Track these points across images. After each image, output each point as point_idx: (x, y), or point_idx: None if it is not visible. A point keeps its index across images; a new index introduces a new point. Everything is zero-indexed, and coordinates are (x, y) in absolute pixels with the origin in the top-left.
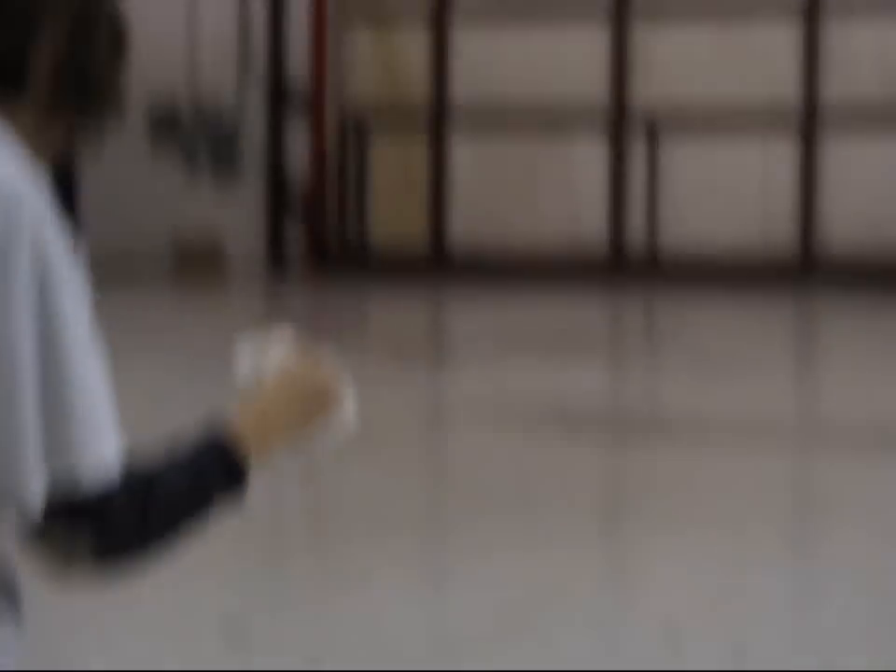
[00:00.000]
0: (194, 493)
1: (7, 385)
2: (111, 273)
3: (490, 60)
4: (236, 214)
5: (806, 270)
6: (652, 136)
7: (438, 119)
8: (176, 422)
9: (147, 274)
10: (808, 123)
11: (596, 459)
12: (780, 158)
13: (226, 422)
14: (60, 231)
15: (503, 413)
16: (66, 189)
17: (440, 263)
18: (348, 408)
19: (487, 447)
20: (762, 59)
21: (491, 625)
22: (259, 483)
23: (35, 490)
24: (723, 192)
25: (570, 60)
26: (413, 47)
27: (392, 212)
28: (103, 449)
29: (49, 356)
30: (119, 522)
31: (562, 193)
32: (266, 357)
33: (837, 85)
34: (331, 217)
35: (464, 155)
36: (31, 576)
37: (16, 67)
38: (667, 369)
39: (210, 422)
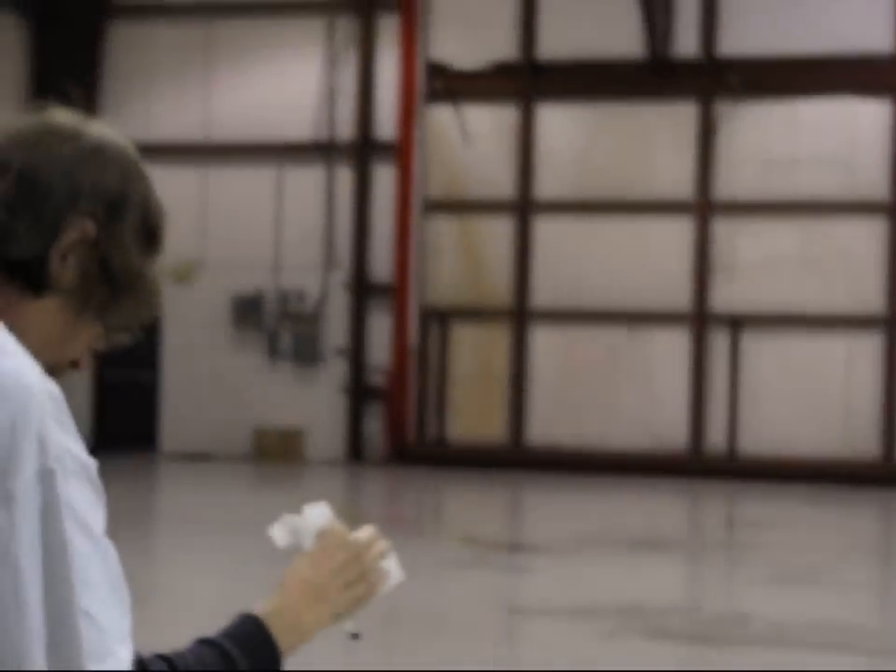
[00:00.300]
0: None
1: (13, 609)
2: (193, 460)
3: (572, 252)
4: (317, 402)
5: (889, 473)
6: (734, 335)
7: (519, 313)
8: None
9: (227, 460)
10: (893, 326)
11: (674, 659)
12: (863, 359)
13: (260, 611)
14: (70, 428)
15: (578, 608)
16: (149, 367)
17: (518, 456)
18: (391, 564)
19: (561, 642)
20: (844, 259)
21: None
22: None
23: None
24: (804, 393)
25: (652, 255)
26: (496, 237)
27: (472, 403)
28: (108, 664)
29: (55, 579)
30: None
31: (641, 389)
32: (303, 530)
33: None
34: (411, 407)
35: (544, 349)
36: None
37: (40, 268)
38: (746, 568)
39: (243, 615)
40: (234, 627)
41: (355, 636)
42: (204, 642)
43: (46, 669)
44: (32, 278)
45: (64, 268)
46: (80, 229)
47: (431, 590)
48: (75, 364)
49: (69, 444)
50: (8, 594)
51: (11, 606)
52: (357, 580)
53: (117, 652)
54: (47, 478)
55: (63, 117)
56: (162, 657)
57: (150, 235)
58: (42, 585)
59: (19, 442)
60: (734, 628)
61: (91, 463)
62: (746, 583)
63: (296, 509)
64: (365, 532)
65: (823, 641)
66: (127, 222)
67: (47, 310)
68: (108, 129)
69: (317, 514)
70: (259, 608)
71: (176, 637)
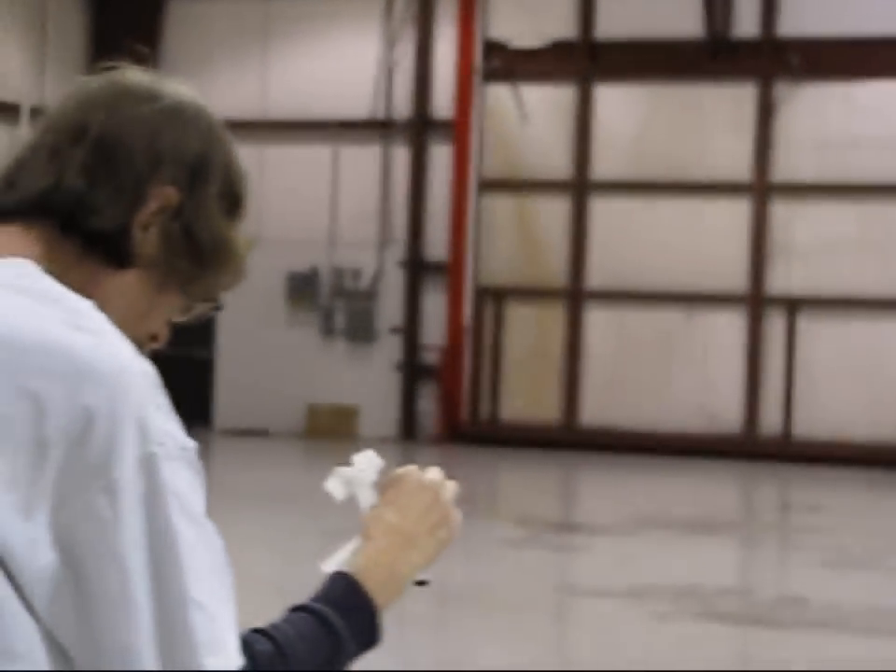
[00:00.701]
0: (328, 664)
1: (121, 606)
2: (248, 435)
3: (628, 233)
4: (370, 380)
5: None
6: (790, 318)
7: (574, 293)
8: (309, 580)
9: (280, 436)
10: None
11: (729, 642)
12: None
13: (354, 573)
14: (167, 409)
15: (633, 589)
16: (205, 347)
17: (571, 437)
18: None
19: (616, 623)
20: None
21: None
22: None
23: None
24: (861, 376)
25: (709, 236)
26: (552, 216)
27: (525, 383)
28: (221, 662)
29: (164, 571)
30: None
31: (697, 371)
32: (357, 480)
33: None
34: (465, 386)
35: (599, 329)
36: None
37: (121, 239)
38: (801, 552)
39: (334, 574)
40: (328, 589)
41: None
42: (300, 609)
43: (158, 668)
44: (112, 250)
45: (147, 238)
46: (163, 196)
47: (485, 569)
48: (154, 338)
49: (169, 427)
50: (116, 590)
51: (119, 603)
52: (440, 522)
53: (228, 642)
54: (149, 464)
55: (136, 76)
56: (262, 632)
57: (234, 200)
58: (150, 578)
59: (119, 428)
60: (789, 611)
61: (191, 444)
62: (801, 567)
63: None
64: (436, 472)
65: (878, 626)
66: (210, 187)
67: (128, 283)
68: (184, 88)
69: (368, 462)
70: (351, 565)
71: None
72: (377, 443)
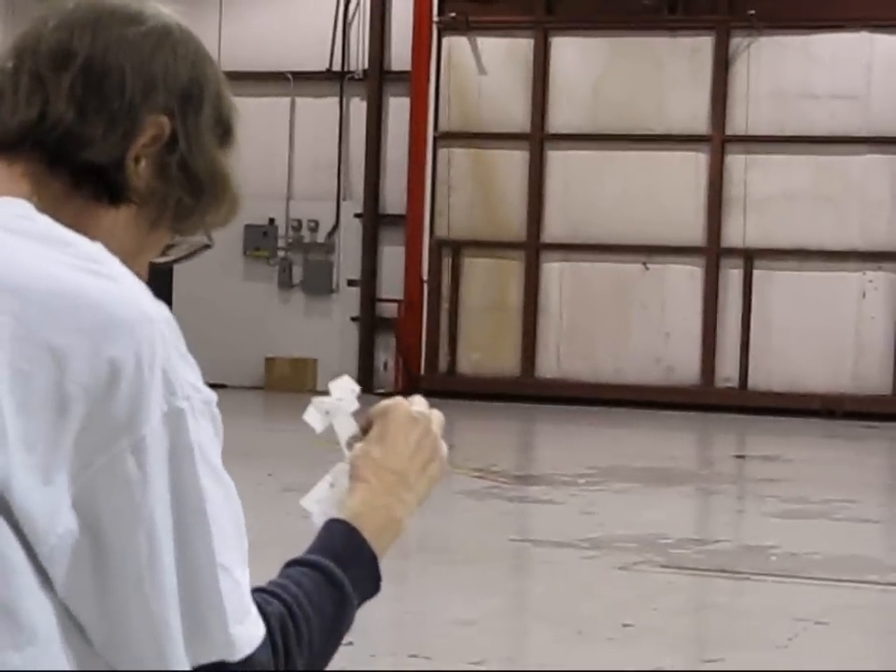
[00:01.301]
0: (335, 620)
1: (148, 566)
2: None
3: (586, 184)
4: (329, 333)
5: None
6: (747, 269)
7: (532, 245)
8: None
9: (238, 389)
10: None
11: (692, 589)
12: (876, 293)
13: (350, 519)
14: (190, 359)
15: (594, 539)
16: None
17: (530, 388)
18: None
19: (580, 573)
20: (858, 193)
21: None
22: None
23: None
24: (817, 327)
25: (666, 187)
26: (510, 168)
27: (484, 335)
28: (248, 630)
29: (192, 535)
30: None
31: (654, 322)
32: (336, 409)
33: None
34: (424, 339)
35: (557, 281)
36: None
37: (115, 173)
38: (759, 500)
39: (330, 522)
40: (326, 540)
41: None
42: (299, 563)
43: (185, 638)
44: (104, 186)
45: (139, 172)
46: (156, 125)
47: (445, 521)
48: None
49: (192, 378)
50: (143, 555)
51: (146, 569)
52: (431, 457)
53: (251, 609)
54: (176, 420)
55: None
56: (268, 592)
57: (226, 128)
58: (178, 542)
59: (146, 381)
60: (751, 560)
61: (213, 397)
62: (761, 516)
63: (308, 436)
64: (422, 402)
65: (839, 574)
66: (204, 115)
67: (120, 219)
68: (166, 9)
69: (345, 389)
70: (345, 509)
71: None
72: None
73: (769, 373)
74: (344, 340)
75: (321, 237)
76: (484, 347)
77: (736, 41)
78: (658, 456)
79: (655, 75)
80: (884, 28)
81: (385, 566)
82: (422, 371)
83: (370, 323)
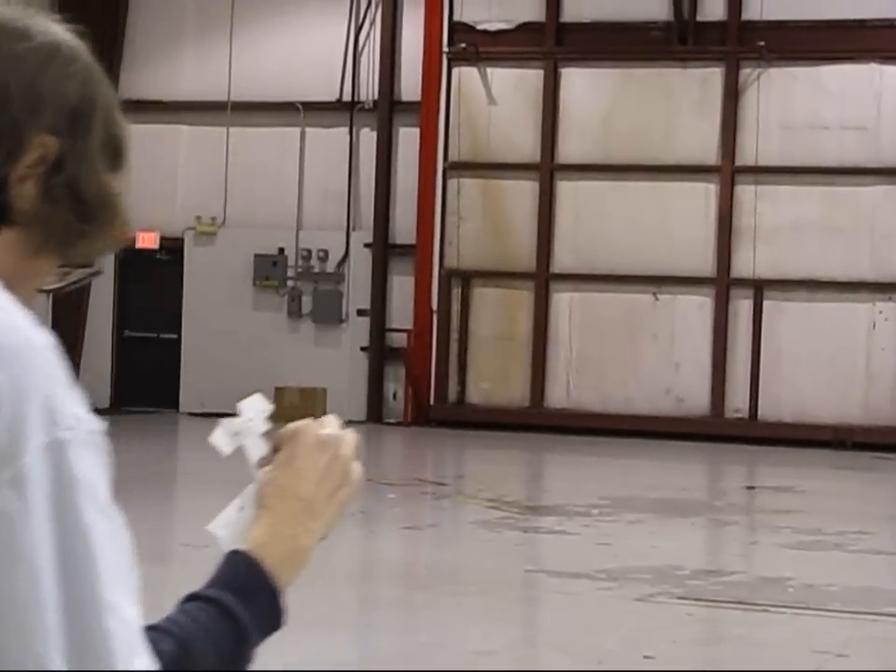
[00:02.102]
0: (233, 658)
1: (29, 604)
2: (213, 416)
3: (596, 214)
4: (338, 363)
5: None
6: (757, 299)
7: (542, 275)
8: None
9: None
10: None
11: (709, 621)
12: (886, 324)
13: (250, 544)
14: (74, 388)
15: (609, 570)
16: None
17: (539, 418)
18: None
19: (593, 603)
20: (867, 224)
21: None
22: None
23: None
24: (826, 358)
25: (676, 218)
26: (519, 198)
27: (493, 365)
28: (137, 669)
29: (76, 570)
30: None
31: (664, 353)
32: (246, 430)
33: None
34: (433, 369)
35: (566, 311)
36: None
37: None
38: (773, 532)
39: (230, 554)
40: (225, 572)
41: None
42: (197, 598)
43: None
44: None
45: (24, 193)
46: (42, 146)
47: (457, 551)
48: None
49: (76, 408)
50: (23, 593)
51: (27, 607)
52: (340, 482)
53: (140, 647)
54: (58, 451)
55: (3, 10)
56: (161, 630)
57: (116, 150)
58: (61, 579)
59: (25, 411)
60: (767, 592)
61: (99, 427)
62: (775, 548)
63: None
64: (333, 423)
65: (855, 606)
66: (93, 136)
67: (3, 242)
68: (56, 25)
69: (255, 409)
70: (248, 539)
71: None
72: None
73: (779, 404)
74: (354, 369)
75: (331, 267)
76: (494, 377)
77: (746, 72)
78: (670, 487)
79: (665, 105)
80: (893, 60)
81: (393, 597)
82: (431, 401)
83: (379, 353)
